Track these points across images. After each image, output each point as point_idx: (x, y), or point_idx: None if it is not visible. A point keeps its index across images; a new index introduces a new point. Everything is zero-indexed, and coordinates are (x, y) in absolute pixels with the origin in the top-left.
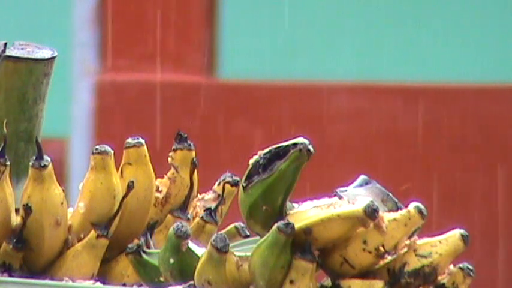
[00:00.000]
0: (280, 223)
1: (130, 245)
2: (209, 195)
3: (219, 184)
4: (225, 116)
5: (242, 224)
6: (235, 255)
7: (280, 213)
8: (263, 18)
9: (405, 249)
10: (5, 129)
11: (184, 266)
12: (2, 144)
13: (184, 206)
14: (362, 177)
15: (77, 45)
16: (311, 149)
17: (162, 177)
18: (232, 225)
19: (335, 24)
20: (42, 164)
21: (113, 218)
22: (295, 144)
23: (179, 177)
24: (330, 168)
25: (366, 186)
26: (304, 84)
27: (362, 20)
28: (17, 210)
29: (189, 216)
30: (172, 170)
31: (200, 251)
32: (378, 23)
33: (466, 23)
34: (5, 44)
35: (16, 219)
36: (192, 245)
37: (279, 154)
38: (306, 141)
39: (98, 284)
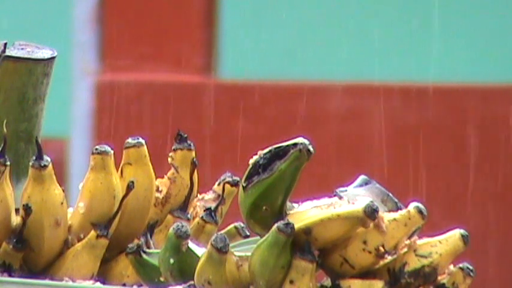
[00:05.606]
0: (280, 223)
1: (130, 245)
2: (209, 195)
3: (219, 184)
4: (225, 116)
5: (242, 224)
6: (235, 255)
7: (280, 213)
8: (263, 18)
9: (405, 249)
10: (5, 129)
11: (184, 266)
12: (2, 144)
13: (184, 206)
14: (362, 177)
15: (77, 45)
16: (311, 149)
17: (162, 177)
18: (232, 225)
19: (334, 24)
20: (42, 164)
21: (113, 218)
22: (295, 144)
23: (179, 177)
24: (330, 168)
25: (366, 186)
26: (304, 84)
27: (362, 20)
28: (17, 210)
29: (189, 216)
30: (172, 170)
31: (200, 251)
32: (377, 23)
33: (466, 22)
34: (5, 44)
35: (16, 219)
36: (192, 245)
37: (279, 154)
38: (306, 141)
39: (98, 284)
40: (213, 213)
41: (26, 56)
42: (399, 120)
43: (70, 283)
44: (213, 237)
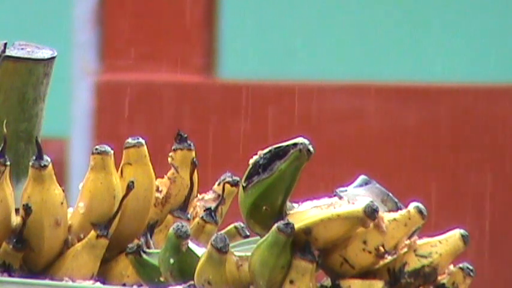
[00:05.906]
0: (280, 223)
1: (130, 245)
2: (209, 195)
3: (219, 184)
4: (225, 116)
5: (242, 224)
6: (235, 255)
7: (280, 213)
8: (263, 19)
9: (405, 249)
10: (5, 129)
11: (184, 266)
12: (2, 144)
13: (184, 206)
14: (362, 177)
15: (77, 45)
16: (311, 149)
17: (162, 177)
18: (232, 225)
19: (335, 24)
20: (42, 164)
21: (113, 218)
22: (295, 144)
23: (179, 177)
24: (330, 168)
25: (366, 186)
26: (304, 84)
27: (362, 20)
28: (17, 210)
29: (189, 216)
30: (172, 170)
31: (200, 251)
32: (377, 23)
33: (466, 23)
34: (5, 44)
35: (16, 219)
36: (192, 245)
37: (279, 154)
38: (306, 141)
39: (98, 284)
40: (213, 213)
41: (26, 56)
42: (399, 120)
43: (70, 283)
44: (213, 237)
